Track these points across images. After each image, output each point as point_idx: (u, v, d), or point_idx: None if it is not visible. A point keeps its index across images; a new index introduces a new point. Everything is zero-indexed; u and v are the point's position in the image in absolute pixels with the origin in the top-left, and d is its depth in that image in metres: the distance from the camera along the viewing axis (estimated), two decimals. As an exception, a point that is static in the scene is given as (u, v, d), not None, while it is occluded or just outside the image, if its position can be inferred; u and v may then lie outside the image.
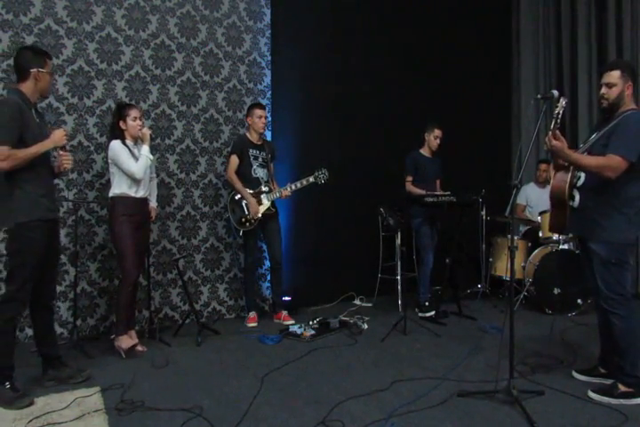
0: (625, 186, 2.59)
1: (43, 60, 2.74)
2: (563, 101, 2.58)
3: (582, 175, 2.74)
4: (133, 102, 3.96)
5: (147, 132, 3.46)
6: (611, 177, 2.54)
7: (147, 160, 3.41)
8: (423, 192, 4.40)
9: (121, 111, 3.44)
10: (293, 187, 4.10)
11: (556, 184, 2.84)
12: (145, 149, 3.43)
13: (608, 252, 2.63)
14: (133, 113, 3.43)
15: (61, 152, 2.80)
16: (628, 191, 2.61)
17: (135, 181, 3.40)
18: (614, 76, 2.64)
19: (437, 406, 2.55)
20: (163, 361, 3.23)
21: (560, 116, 2.58)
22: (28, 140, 2.63)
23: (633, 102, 2.68)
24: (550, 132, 2.58)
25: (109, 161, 3.42)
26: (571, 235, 4.46)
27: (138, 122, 3.44)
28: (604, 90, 2.67)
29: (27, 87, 2.71)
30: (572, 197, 2.77)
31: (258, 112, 4.14)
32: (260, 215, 4.09)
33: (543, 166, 5.28)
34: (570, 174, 2.77)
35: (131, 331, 3.48)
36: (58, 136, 2.73)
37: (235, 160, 4.13)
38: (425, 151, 4.62)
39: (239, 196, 4.12)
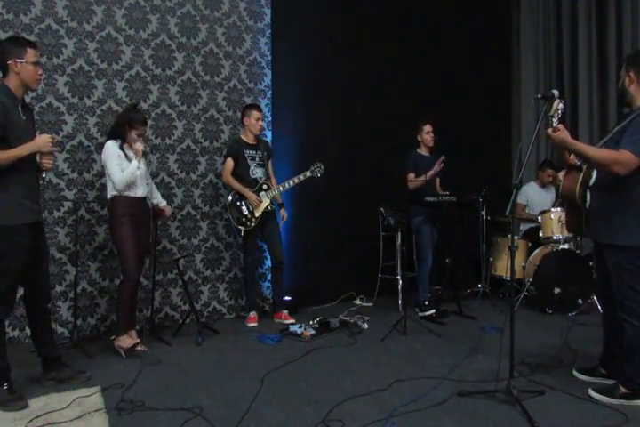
0: (638, 186, 2.49)
1: (22, 50, 2.58)
2: (559, 104, 2.50)
3: (595, 174, 2.66)
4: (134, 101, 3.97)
5: (139, 147, 3.39)
6: (619, 173, 2.43)
7: (131, 175, 3.34)
8: (423, 178, 4.31)
9: (132, 120, 3.39)
10: (291, 183, 4.13)
11: (567, 185, 2.75)
12: (134, 163, 3.36)
13: (621, 256, 2.54)
14: (140, 130, 3.43)
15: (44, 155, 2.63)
16: None
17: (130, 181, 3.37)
18: (622, 71, 2.61)
19: (437, 406, 2.55)
20: (155, 359, 3.24)
21: (558, 118, 2.50)
22: (12, 139, 2.50)
23: None
24: (550, 129, 2.49)
25: (103, 162, 3.42)
26: (571, 235, 4.48)
27: (139, 139, 3.43)
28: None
29: (10, 81, 2.58)
30: (585, 198, 2.70)
31: (256, 114, 4.16)
32: (261, 211, 4.11)
33: (549, 171, 5.18)
34: (582, 174, 2.68)
35: (131, 331, 3.48)
36: (42, 141, 2.58)
37: (230, 163, 4.15)
38: (422, 151, 4.61)
39: (237, 197, 4.14)
